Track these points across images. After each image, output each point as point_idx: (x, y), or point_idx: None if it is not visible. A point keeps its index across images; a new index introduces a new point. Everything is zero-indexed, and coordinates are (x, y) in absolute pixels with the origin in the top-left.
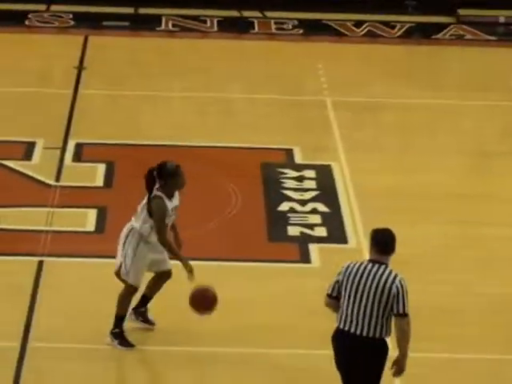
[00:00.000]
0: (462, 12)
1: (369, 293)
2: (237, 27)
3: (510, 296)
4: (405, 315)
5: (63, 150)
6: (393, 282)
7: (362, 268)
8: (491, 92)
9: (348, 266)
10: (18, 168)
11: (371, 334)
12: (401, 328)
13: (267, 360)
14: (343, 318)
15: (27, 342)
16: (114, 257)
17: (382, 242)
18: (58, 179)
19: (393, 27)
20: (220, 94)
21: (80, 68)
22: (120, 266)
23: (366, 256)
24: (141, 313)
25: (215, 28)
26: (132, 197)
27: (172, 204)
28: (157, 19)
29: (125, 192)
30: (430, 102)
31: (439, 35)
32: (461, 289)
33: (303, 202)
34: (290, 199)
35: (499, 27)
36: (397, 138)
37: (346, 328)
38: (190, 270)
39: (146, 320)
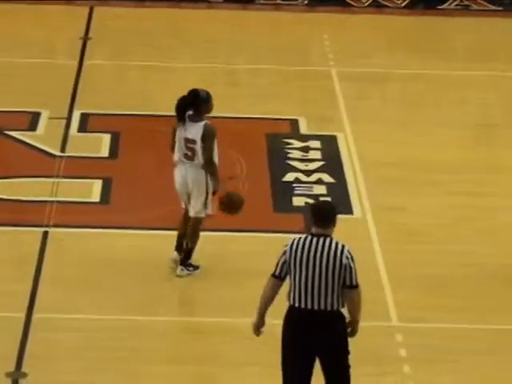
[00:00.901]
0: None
1: (320, 266)
2: None
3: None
4: (356, 286)
5: (68, 120)
6: (342, 253)
7: (307, 243)
8: (496, 63)
9: (292, 243)
10: (23, 138)
11: (329, 307)
12: (352, 299)
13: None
14: (297, 295)
15: (32, 313)
16: (119, 227)
17: (322, 214)
18: (63, 150)
19: None
20: (225, 65)
21: (85, 39)
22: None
23: (372, 227)
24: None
25: None
26: (137, 168)
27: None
28: None
29: (130, 163)
30: (435, 72)
31: (444, 5)
32: (464, 259)
33: (308, 173)
34: (295, 169)
35: None
36: (402, 109)
37: (302, 305)
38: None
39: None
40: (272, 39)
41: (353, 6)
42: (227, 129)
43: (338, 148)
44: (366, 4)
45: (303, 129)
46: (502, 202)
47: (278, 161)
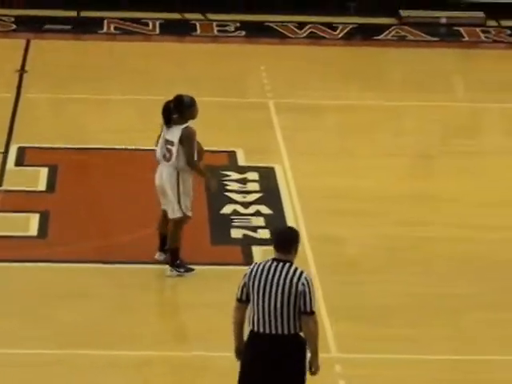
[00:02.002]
0: (403, 13)
1: (276, 291)
2: (179, 30)
3: (450, 297)
4: (311, 313)
5: (5, 154)
6: (299, 279)
7: (266, 267)
8: (432, 93)
9: (253, 268)
10: None
11: (286, 332)
12: (307, 326)
13: (213, 364)
14: (255, 320)
15: None
16: (56, 261)
17: (285, 240)
18: (0, 184)
19: (335, 28)
20: (163, 97)
21: (22, 72)
22: (173, 211)
23: (310, 258)
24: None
25: (157, 31)
26: (75, 200)
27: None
28: (99, 22)
29: (67, 196)
30: (373, 103)
31: (381, 36)
32: (402, 289)
33: (246, 205)
34: (233, 202)
35: (441, 28)
36: (340, 140)
37: (261, 330)
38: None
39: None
40: (209, 71)
41: (290, 37)
42: None
43: (275, 179)
44: (303, 35)
45: (241, 160)
46: (437, 232)
47: (216, 193)
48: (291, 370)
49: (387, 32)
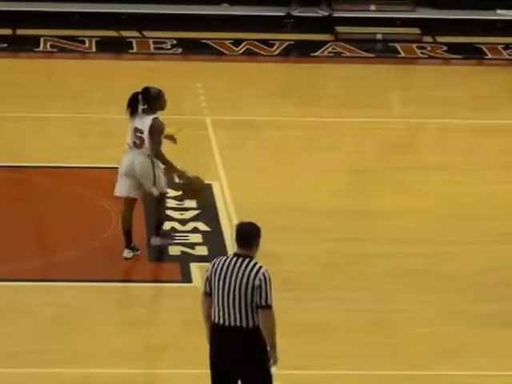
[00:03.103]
0: (339, 29)
1: (234, 286)
2: (115, 47)
3: (391, 313)
4: (267, 307)
5: None
6: (256, 274)
7: (227, 262)
8: (369, 109)
9: (214, 262)
10: None
11: (244, 324)
12: (264, 320)
13: (151, 381)
14: (216, 312)
15: None
16: None
17: (245, 235)
18: None
19: (271, 45)
20: (100, 115)
21: None
22: (147, 190)
23: None
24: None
25: (94, 48)
26: (13, 219)
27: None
28: (35, 40)
29: (5, 215)
30: (309, 119)
31: (317, 52)
32: (340, 306)
33: (184, 222)
34: (170, 219)
35: (377, 44)
36: (277, 156)
37: (221, 321)
38: (179, 176)
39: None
40: None
41: (226, 54)
42: (102, 179)
43: (213, 196)
44: (240, 52)
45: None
46: (375, 248)
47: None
48: (252, 361)
49: (323, 48)
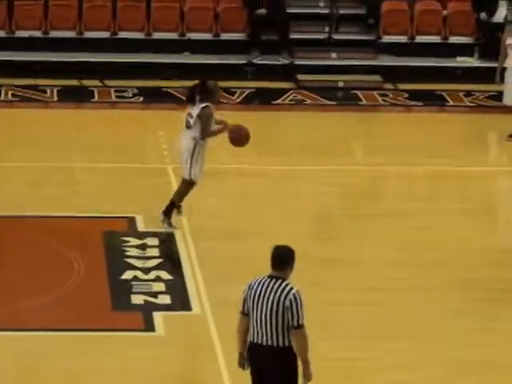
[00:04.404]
0: (301, 77)
1: (267, 306)
2: (77, 96)
3: (356, 361)
4: (298, 327)
5: None
6: (286, 295)
7: (261, 283)
8: (332, 157)
9: (251, 283)
10: None
11: (275, 344)
12: (296, 339)
13: None
14: (251, 331)
15: None
16: None
17: (279, 258)
18: None
19: (233, 93)
20: (62, 164)
21: None
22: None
23: (211, 322)
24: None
25: (55, 97)
26: None
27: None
28: None
29: None
30: (272, 167)
31: (279, 100)
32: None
33: (147, 270)
34: (133, 267)
35: (338, 92)
36: (240, 204)
37: (255, 340)
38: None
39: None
40: (108, 137)
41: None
42: (63, 228)
43: (175, 245)
44: None
45: (140, 226)
46: (338, 295)
47: (116, 259)
48: (283, 379)
49: (285, 96)
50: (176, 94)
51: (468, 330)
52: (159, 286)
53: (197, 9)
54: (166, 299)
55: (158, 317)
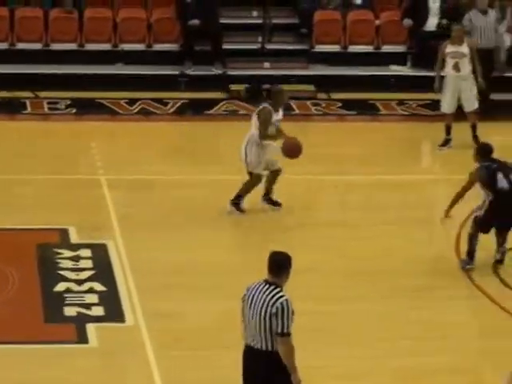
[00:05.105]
0: (234, 87)
1: (257, 310)
2: (9, 108)
3: (304, 368)
4: (282, 335)
5: None
6: (274, 302)
7: (256, 287)
8: None
9: (249, 286)
10: None
11: (264, 347)
12: (280, 347)
13: None
14: (245, 333)
15: None
16: None
17: (275, 264)
18: None
19: (166, 104)
20: None
21: None
22: (247, 164)
23: (145, 334)
24: (266, 199)
25: None
26: None
27: (277, 117)
28: None
29: None
30: (206, 177)
31: (212, 110)
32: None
33: (80, 282)
34: (66, 279)
35: None
36: (172, 215)
37: (248, 342)
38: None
39: (272, 202)
40: (41, 149)
41: (121, 113)
42: None
43: (108, 256)
44: (135, 111)
45: (73, 238)
46: None
47: (49, 271)
48: (272, 382)
49: (218, 106)
50: (109, 105)
51: (414, 337)
52: (92, 298)
53: (130, 19)
54: (99, 311)
55: (91, 328)
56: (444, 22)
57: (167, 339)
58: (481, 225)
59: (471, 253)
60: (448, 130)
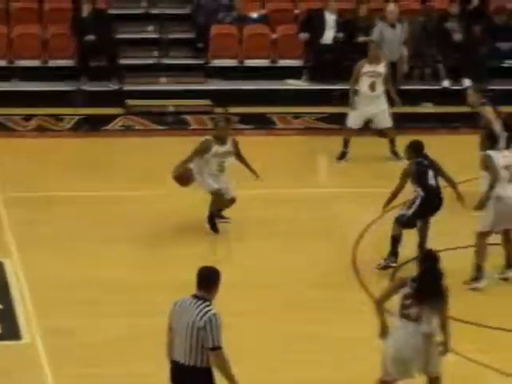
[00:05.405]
0: (130, 103)
1: (184, 325)
2: None
3: None
4: (213, 348)
5: None
6: (202, 316)
7: (184, 302)
8: (160, 182)
9: (176, 301)
10: None
11: (192, 363)
12: (214, 360)
13: None
14: (171, 349)
15: None
16: None
17: (203, 278)
18: None
19: (62, 120)
20: None
21: None
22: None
23: (42, 351)
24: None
25: None
26: None
27: (223, 148)
28: None
29: None
30: (102, 193)
31: (109, 126)
32: (135, 380)
33: None
34: None
35: (168, 116)
36: (71, 231)
37: (175, 358)
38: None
39: (222, 217)
40: None
41: (17, 130)
42: None
43: (5, 274)
44: (30, 128)
45: None
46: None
47: None
48: None
49: (114, 122)
50: (4, 121)
51: (306, 351)
52: None
53: (24, 35)
54: None
55: None
56: (340, 35)
57: (64, 357)
58: (408, 223)
59: (396, 253)
60: (346, 144)
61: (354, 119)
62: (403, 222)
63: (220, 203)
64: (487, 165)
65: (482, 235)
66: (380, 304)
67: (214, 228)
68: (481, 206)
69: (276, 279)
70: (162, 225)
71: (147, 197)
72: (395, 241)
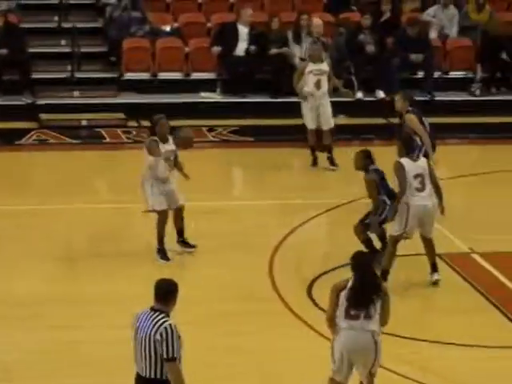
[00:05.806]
0: (43, 117)
1: (142, 337)
2: None
3: None
4: (169, 360)
5: None
6: (158, 328)
7: (143, 315)
8: (78, 195)
9: (137, 314)
10: None
11: (152, 375)
12: (169, 371)
13: None
14: (135, 360)
15: None
16: None
17: (160, 291)
18: None
19: None
20: None
21: None
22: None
23: None
24: (181, 241)
25: None
26: None
27: (168, 147)
28: None
29: None
30: (19, 207)
31: (22, 140)
32: None
33: None
34: None
35: (82, 130)
36: None
37: (136, 370)
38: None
39: (187, 245)
40: None
41: None
42: None
43: None
44: None
45: None
46: (89, 335)
47: None
48: None
49: (28, 136)
50: None
51: (227, 364)
52: None
53: None
54: None
55: None
56: (252, 48)
57: None
58: (375, 227)
59: (377, 250)
60: (313, 150)
61: (310, 119)
62: (375, 228)
63: (165, 223)
64: (395, 173)
65: (393, 240)
66: (331, 321)
67: (164, 257)
68: (393, 213)
69: (200, 291)
70: (76, 238)
71: (62, 210)
72: (369, 243)
